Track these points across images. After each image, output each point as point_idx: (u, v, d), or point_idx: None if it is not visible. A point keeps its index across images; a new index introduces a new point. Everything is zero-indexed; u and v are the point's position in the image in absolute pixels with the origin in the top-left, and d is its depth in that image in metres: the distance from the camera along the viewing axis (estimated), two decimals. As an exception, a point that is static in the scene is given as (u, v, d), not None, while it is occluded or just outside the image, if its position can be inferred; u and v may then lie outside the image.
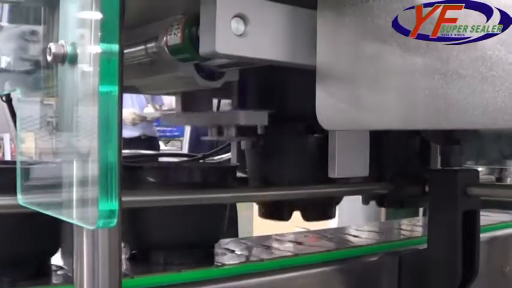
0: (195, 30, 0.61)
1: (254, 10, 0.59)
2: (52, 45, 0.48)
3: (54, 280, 0.78)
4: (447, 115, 0.52)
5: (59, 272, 0.82)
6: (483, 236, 1.10)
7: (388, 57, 0.57)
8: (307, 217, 1.01)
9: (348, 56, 0.60)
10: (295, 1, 0.64)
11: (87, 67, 0.47)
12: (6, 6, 0.64)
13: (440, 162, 0.96)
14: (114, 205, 0.44)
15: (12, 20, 0.63)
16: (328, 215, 1.04)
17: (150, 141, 3.64)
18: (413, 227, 1.34)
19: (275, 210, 1.02)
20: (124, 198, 0.51)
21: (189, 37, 0.62)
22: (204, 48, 0.59)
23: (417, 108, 0.54)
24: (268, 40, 0.61)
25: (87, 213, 0.46)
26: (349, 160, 0.92)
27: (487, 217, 1.36)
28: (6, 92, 0.73)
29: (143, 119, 3.60)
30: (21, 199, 0.58)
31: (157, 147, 3.80)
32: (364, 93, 0.59)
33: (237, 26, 0.58)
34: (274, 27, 0.61)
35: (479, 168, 1.90)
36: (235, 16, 0.58)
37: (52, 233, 0.79)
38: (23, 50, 0.61)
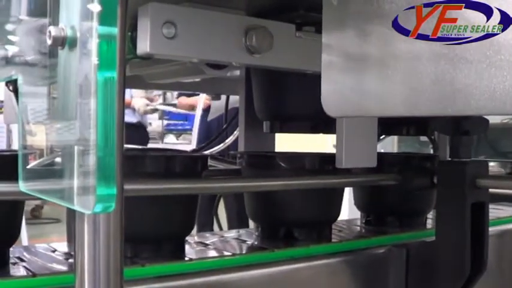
0: (135, 35, 0.70)
1: (183, 17, 0.68)
2: (52, 28, 0.48)
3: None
4: (454, 101, 0.51)
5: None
6: (494, 229, 1.09)
7: (393, 43, 0.55)
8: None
9: (353, 42, 0.59)
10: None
11: (86, 51, 0.46)
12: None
13: (450, 154, 0.95)
14: (112, 190, 0.44)
15: (31, 13, 0.63)
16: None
17: (141, 129, 3.83)
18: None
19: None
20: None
21: (130, 40, 0.71)
22: (139, 50, 0.68)
23: (423, 94, 0.53)
24: (197, 41, 0.70)
25: (87, 199, 0.45)
26: (356, 150, 0.90)
27: (499, 210, 1.35)
28: (9, 79, 0.72)
29: (155, 111, 3.64)
30: (23, 186, 0.57)
31: (146, 136, 3.97)
32: (369, 79, 0.58)
33: (168, 30, 0.67)
34: (202, 31, 0.70)
35: (491, 163, 1.87)
36: (166, 22, 0.67)
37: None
38: (38, 43, 0.60)
